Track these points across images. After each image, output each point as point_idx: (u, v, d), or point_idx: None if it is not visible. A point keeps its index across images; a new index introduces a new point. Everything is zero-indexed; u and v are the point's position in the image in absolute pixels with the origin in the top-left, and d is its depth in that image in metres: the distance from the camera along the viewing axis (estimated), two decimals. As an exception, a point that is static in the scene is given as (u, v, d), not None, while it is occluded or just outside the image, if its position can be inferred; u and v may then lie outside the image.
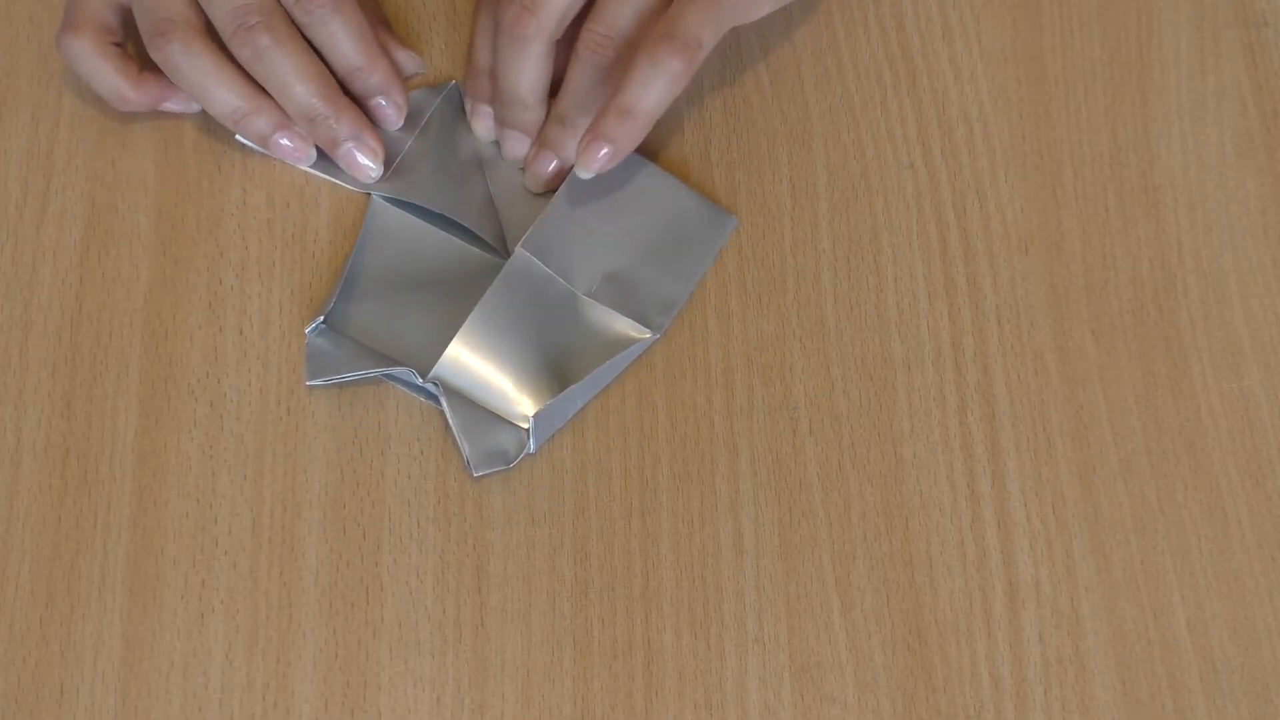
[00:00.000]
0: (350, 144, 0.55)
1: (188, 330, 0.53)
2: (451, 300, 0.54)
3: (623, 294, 0.54)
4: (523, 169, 0.56)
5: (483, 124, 0.57)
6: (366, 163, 0.55)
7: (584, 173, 0.53)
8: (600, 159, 0.52)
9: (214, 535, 0.51)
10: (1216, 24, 0.61)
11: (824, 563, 0.51)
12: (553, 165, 0.55)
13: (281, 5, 0.53)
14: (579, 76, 0.54)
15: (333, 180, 0.56)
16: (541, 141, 0.55)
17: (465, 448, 0.51)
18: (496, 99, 0.55)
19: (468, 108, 0.57)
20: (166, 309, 0.54)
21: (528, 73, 0.54)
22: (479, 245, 0.55)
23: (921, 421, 0.53)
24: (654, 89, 0.51)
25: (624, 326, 0.53)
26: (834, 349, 0.55)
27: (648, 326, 0.53)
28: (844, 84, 0.59)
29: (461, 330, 0.52)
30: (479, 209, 0.55)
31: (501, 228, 0.55)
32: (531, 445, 0.51)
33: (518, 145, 0.56)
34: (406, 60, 0.58)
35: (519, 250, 0.54)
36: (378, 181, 0.55)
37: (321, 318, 0.52)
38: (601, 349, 0.53)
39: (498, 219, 0.55)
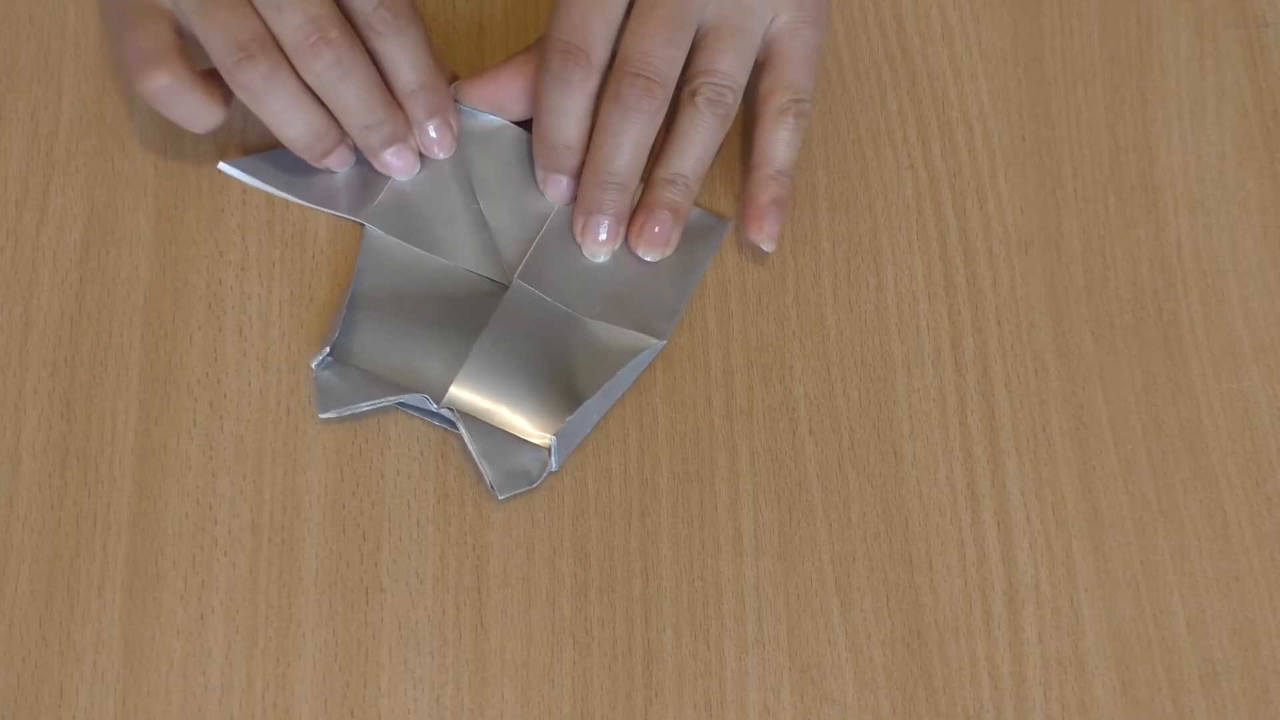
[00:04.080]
0: (398, 146, 0.54)
1: (188, 330, 0.53)
2: (456, 324, 0.53)
3: (625, 310, 0.54)
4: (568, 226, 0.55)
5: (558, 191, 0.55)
6: (405, 163, 0.55)
7: (770, 245, 0.55)
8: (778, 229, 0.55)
9: (214, 535, 0.51)
10: (1216, 24, 0.61)
11: (824, 563, 0.51)
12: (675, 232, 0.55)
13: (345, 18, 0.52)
14: (708, 132, 0.54)
15: (328, 211, 0.55)
16: (664, 205, 0.54)
17: (487, 472, 0.51)
18: (598, 177, 0.54)
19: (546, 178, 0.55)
20: (166, 309, 0.54)
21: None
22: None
23: (921, 421, 0.53)
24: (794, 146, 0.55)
25: (630, 339, 0.53)
26: (834, 349, 0.55)
27: (653, 335, 0.53)
28: (844, 84, 0.59)
29: (469, 359, 0.52)
30: (473, 241, 0.55)
31: (499, 255, 0.55)
32: (554, 463, 0.51)
33: (614, 231, 0.55)
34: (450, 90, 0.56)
35: (516, 281, 0.54)
36: (373, 214, 0.55)
37: (327, 349, 0.52)
38: (611, 361, 0.53)
39: (494, 247, 0.55)
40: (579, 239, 0.55)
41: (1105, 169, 0.58)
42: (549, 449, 0.51)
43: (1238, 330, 0.56)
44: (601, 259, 0.55)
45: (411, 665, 0.49)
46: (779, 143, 0.55)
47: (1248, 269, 0.57)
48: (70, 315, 0.53)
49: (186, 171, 0.56)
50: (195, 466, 0.51)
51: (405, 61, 0.53)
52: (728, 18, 0.54)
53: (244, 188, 0.56)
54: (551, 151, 0.54)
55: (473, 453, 0.51)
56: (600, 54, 0.53)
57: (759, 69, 0.55)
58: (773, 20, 0.55)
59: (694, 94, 0.53)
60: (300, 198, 0.55)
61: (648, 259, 0.55)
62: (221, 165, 0.55)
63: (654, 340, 0.53)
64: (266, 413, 0.52)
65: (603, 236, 0.54)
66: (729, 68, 0.54)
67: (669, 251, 0.55)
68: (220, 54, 0.50)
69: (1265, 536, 0.53)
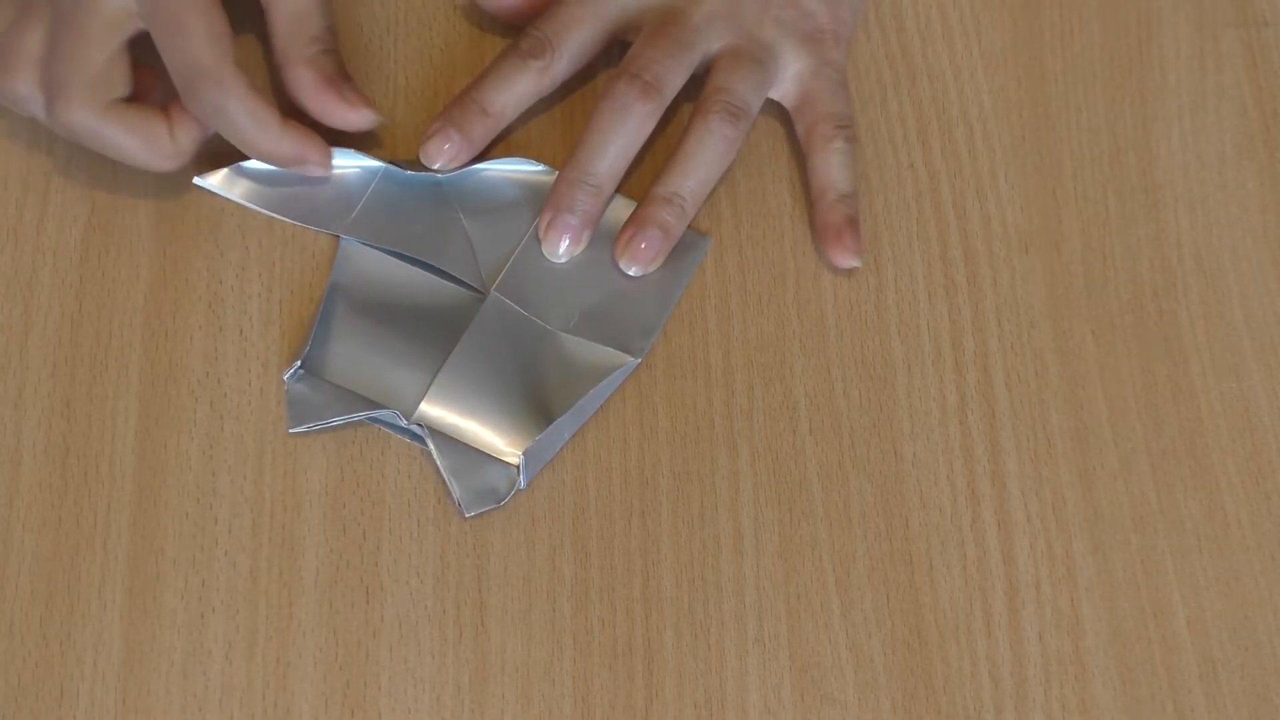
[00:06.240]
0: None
1: (188, 330, 0.53)
2: (430, 337, 0.53)
3: (602, 326, 0.53)
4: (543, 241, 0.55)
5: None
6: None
7: (856, 261, 0.55)
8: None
9: (214, 535, 0.51)
10: (1216, 24, 0.61)
11: (824, 563, 0.51)
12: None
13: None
14: (715, 152, 0.54)
15: (304, 226, 0.55)
16: (657, 223, 0.54)
17: (455, 489, 0.51)
18: (575, 174, 0.53)
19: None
20: (166, 309, 0.54)
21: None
22: (453, 279, 0.54)
23: (921, 421, 0.53)
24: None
25: (605, 356, 0.53)
26: (834, 349, 0.55)
27: (628, 352, 0.53)
28: (844, 84, 0.59)
29: (440, 373, 0.52)
30: (453, 249, 0.54)
31: (478, 265, 0.54)
32: (522, 482, 0.51)
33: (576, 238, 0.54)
34: (360, 119, 0.53)
35: (493, 294, 0.53)
36: (350, 224, 0.54)
37: (299, 363, 0.52)
38: (584, 379, 0.52)
39: (474, 257, 0.54)
40: (541, 235, 0.54)
41: (1105, 169, 0.58)
42: (518, 467, 0.51)
43: (1238, 330, 0.56)
44: (561, 259, 0.54)
45: (412, 665, 0.49)
46: (834, 167, 0.55)
47: (1248, 269, 0.57)
48: (70, 315, 0.53)
49: (186, 171, 0.56)
50: (195, 466, 0.51)
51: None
52: (741, 48, 0.54)
53: (244, 188, 0.56)
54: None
55: (441, 469, 0.51)
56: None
57: (793, 113, 0.56)
58: (789, 65, 0.55)
59: (706, 112, 0.53)
60: (275, 211, 0.55)
61: (629, 272, 0.54)
62: (196, 180, 0.55)
63: (629, 358, 0.53)
64: (266, 413, 0.52)
65: (566, 239, 0.54)
66: (744, 90, 0.54)
67: (653, 268, 0.54)
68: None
69: (1265, 536, 0.53)
